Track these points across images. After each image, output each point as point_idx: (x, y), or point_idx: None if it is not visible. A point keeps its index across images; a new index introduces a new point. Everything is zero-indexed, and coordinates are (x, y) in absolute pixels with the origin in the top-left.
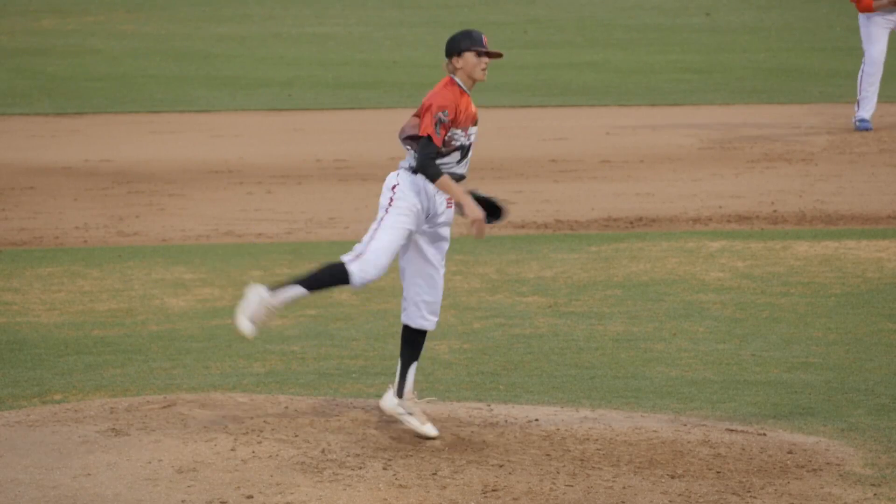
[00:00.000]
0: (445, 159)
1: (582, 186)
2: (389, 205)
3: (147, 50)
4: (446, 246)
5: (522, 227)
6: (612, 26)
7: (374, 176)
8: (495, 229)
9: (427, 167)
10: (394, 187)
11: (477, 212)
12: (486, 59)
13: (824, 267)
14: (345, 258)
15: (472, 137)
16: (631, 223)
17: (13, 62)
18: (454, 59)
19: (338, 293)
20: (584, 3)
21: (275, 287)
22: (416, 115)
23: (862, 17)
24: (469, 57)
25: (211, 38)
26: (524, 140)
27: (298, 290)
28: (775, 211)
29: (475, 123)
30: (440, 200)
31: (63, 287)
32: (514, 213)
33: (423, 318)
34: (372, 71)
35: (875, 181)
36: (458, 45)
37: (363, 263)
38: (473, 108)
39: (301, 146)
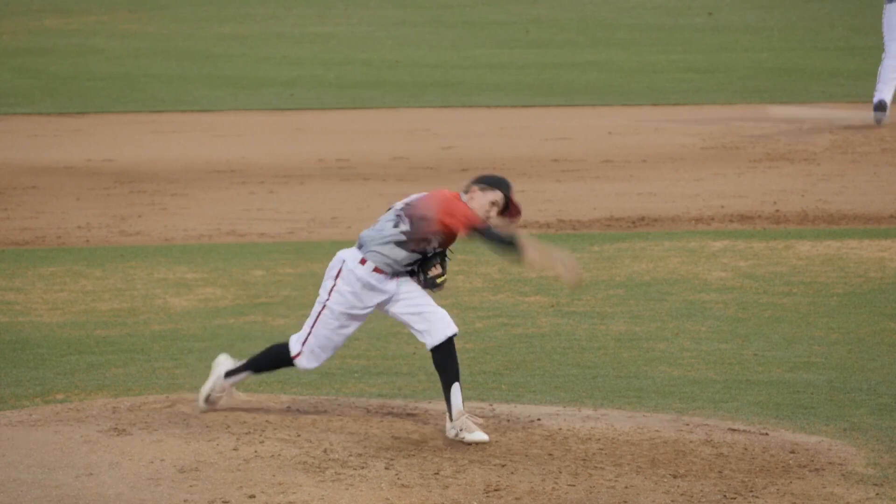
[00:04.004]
0: (413, 254)
1: (584, 186)
2: (328, 297)
3: (149, 50)
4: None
5: (524, 226)
6: (614, 26)
7: (376, 176)
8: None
9: (504, 247)
10: (337, 275)
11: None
12: (505, 216)
13: (826, 266)
14: (292, 349)
15: (438, 259)
16: (633, 223)
17: (15, 62)
18: (484, 190)
19: None
20: (586, 2)
21: (231, 372)
22: (422, 218)
23: (888, 9)
24: (496, 197)
25: (213, 38)
26: (526, 140)
27: (248, 374)
28: (777, 210)
29: (448, 245)
30: (384, 290)
31: (65, 287)
32: None
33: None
34: (374, 70)
35: (877, 181)
36: (498, 184)
37: (308, 358)
38: (460, 234)
39: (303, 146)
